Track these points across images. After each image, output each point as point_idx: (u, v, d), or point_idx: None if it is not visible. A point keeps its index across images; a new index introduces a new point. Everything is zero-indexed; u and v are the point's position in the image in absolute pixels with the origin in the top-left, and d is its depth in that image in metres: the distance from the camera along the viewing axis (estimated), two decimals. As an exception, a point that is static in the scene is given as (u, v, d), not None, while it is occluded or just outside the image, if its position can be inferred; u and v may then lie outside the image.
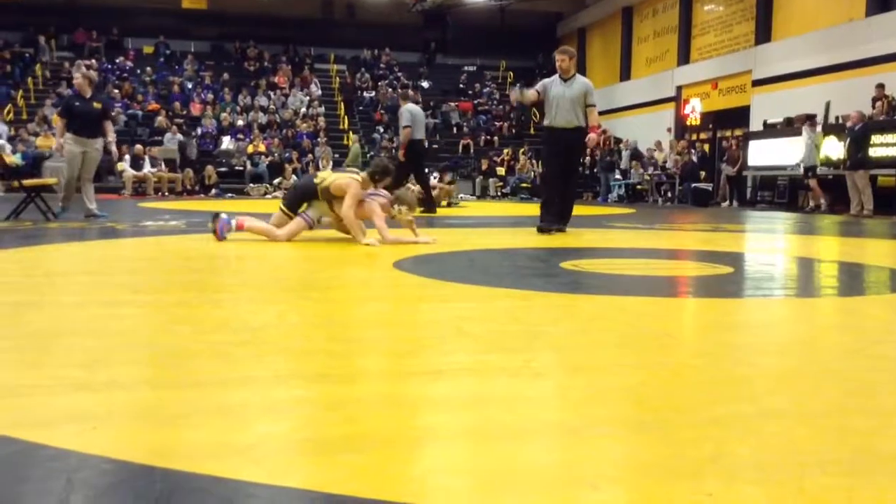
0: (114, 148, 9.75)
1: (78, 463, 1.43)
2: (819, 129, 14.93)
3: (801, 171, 14.84)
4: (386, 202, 6.26)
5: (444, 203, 14.42)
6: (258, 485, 1.35)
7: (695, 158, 18.89)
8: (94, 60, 23.64)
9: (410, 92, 12.71)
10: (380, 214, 6.14)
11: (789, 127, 16.03)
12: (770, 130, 16.91)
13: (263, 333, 2.72)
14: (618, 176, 20.67)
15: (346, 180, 6.10)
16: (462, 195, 19.83)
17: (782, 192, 16.26)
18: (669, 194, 19.13)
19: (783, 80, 17.79)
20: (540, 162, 20.67)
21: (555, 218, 7.65)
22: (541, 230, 7.53)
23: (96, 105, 9.02)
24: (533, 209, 15.34)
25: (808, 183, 14.79)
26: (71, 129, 8.82)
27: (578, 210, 14.93)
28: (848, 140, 13.28)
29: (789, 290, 4.21)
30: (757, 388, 2.08)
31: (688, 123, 21.43)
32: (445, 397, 1.96)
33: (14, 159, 10.71)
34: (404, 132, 10.58)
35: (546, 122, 7.83)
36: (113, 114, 12.19)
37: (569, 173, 7.91)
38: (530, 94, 7.97)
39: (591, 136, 7.74)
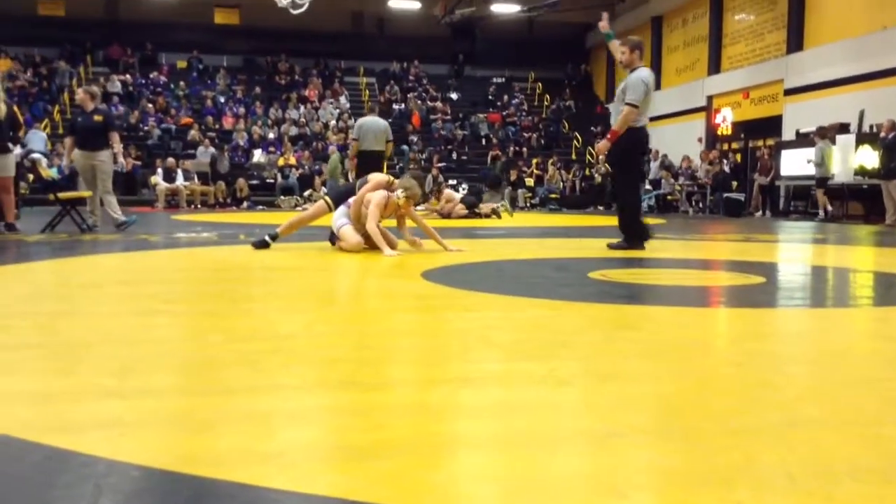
0: (121, 158, 9.84)
1: (106, 469, 1.45)
2: (829, 141, 14.92)
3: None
4: (381, 199, 6.24)
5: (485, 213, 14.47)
6: (284, 492, 1.36)
7: (727, 168, 18.71)
8: (128, 75, 24.07)
9: (376, 106, 13.04)
10: (374, 211, 6.13)
11: (805, 138, 15.83)
12: (803, 140, 16.70)
13: (292, 342, 2.74)
14: (648, 186, 20.53)
15: (370, 195, 6.17)
16: (497, 205, 19.79)
17: (816, 202, 16.03)
18: (701, 204, 18.96)
19: (816, 88, 17.57)
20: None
21: (640, 233, 6.96)
22: (644, 240, 6.86)
23: (97, 118, 9.08)
24: (561, 219, 15.36)
25: (816, 193, 15.03)
26: (77, 143, 9.04)
27: (608, 220, 14.88)
28: (882, 149, 13.08)
29: (822, 300, 4.14)
30: (788, 396, 2.05)
31: (719, 133, 21.25)
32: (471, 405, 1.96)
33: (50, 173, 10.92)
34: (352, 144, 11.13)
35: (637, 123, 6.76)
36: (118, 123, 12.47)
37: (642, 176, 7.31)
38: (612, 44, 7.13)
39: (601, 144, 6.95)
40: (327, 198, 6.76)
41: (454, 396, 2.03)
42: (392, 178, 6.67)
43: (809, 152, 15.81)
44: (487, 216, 14.41)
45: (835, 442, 1.66)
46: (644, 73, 6.69)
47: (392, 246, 6.20)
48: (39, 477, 1.45)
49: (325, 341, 2.81)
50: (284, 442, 1.65)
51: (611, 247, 6.73)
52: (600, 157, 7.94)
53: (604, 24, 7.31)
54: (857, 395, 2.08)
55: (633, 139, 6.71)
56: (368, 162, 10.64)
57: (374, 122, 11.10)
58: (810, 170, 15.57)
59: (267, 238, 6.30)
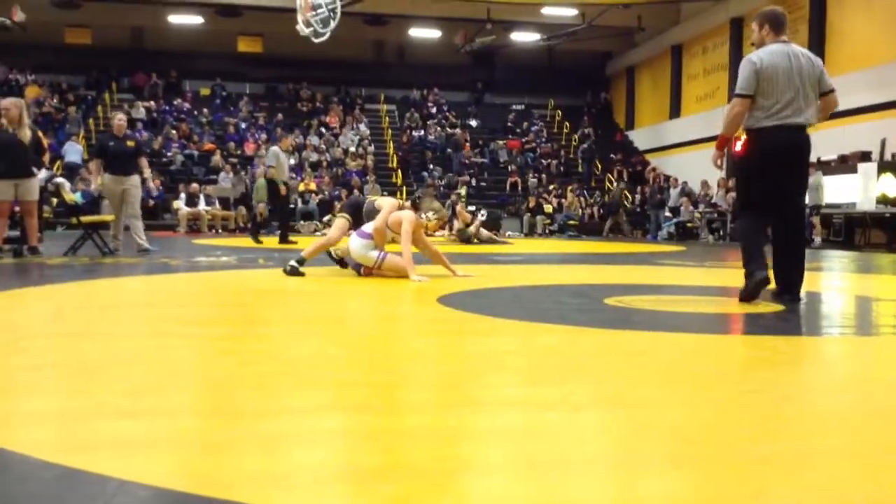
0: (150, 183, 10.12)
1: (115, 489, 1.45)
2: (820, 171, 15.09)
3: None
4: (413, 218, 6.23)
5: (475, 240, 14.61)
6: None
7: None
8: (152, 102, 24.43)
9: (285, 137, 14.88)
10: (407, 230, 6.11)
11: (843, 164, 15.73)
12: (824, 168, 16.61)
13: (304, 365, 2.74)
14: (668, 213, 20.46)
15: (399, 216, 6.17)
16: (509, 232, 19.82)
17: (838, 230, 15.90)
18: (721, 232, 18.85)
19: (837, 117, 17.46)
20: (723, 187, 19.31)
21: (788, 285, 4.79)
22: (751, 285, 4.64)
23: (129, 143, 9.32)
24: (580, 246, 15.32)
25: (812, 220, 15.23)
26: (107, 168, 9.13)
27: (626, 248, 14.85)
28: None
29: (842, 328, 4.09)
30: (805, 426, 2.02)
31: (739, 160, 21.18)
32: (483, 430, 1.95)
33: (73, 197, 11.06)
34: (269, 171, 12.38)
35: (762, 121, 4.65)
36: (147, 150, 12.69)
37: (794, 206, 4.82)
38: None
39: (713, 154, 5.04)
40: (344, 214, 6.78)
41: (466, 421, 2.02)
42: (401, 202, 6.70)
43: (831, 180, 15.71)
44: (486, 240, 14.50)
45: (851, 473, 1.63)
46: (761, 52, 4.70)
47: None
48: (51, 496, 1.45)
49: (338, 365, 2.81)
50: (293, 464, 1.65)
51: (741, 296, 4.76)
52: (718, 171, 5.96)
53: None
54: (875, 425, 2.04)
55: (751, 145, 4.76)
56: (277, 190, 12.34)
57: (284, 155, 12.61)
58: (833, 198, 15.48)
59: (294, 264, 6.31)
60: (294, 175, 21.61)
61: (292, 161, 22.80)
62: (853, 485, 1.54)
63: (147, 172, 9.59)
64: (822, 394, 2.45)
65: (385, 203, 6.52)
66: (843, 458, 1.73)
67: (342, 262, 6.74)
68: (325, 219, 19.44)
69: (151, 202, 17.84)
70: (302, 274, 6.18)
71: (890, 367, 3.03)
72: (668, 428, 1.95)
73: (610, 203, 21.69)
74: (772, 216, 4.79)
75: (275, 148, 12.60)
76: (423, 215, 6.32)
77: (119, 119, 9.53)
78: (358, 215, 6.60)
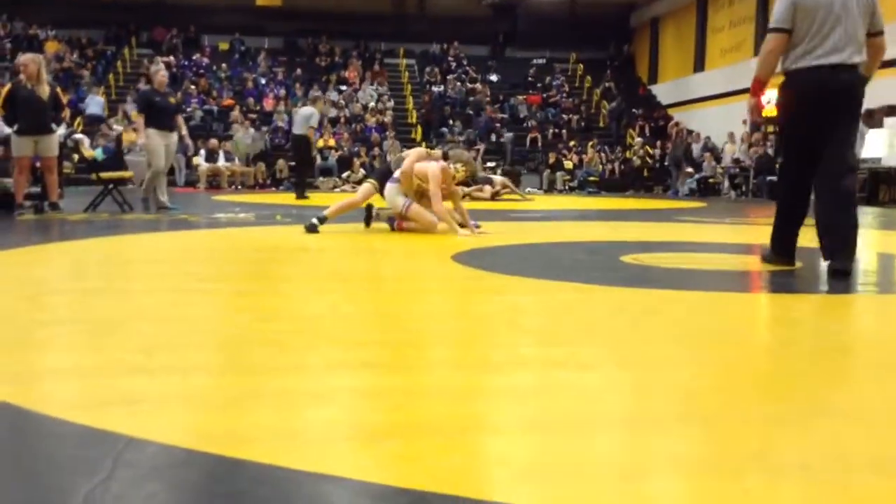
0: (188, 140, 10.04)
1: (125, 445, 1.48)
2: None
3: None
4: (439, 171, 6.23)
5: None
6: (301, 471, 1.37)
7: (770, 151, 18.34)
8: (171, 57, 24.35)
9: (321, 99, 15.94)
10: (435, 188, 6.13)
11: (870, 118, 15.40)
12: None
13: (318, 323, 2.76)
14: (689, 169, 20.22)
15: (423, 168, 6.19)
16: (529, 189, 19.72)
17: (862, 186, 15.66)
18: (743, 188, 18.62)
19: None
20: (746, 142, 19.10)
21: (832, 250, 4.04)
22: (769, 259, 4.40)
23: (172, 100, 9.29)
24: (599, 202, 15.22)
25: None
26: (153, 123, 8.98)
27: (646, 204, 14.72)
28: None
29: (862, 286, 4.05)
30: (814, 386, 2.01)
31: (763, 115, 20.82)
32: (495, 388, 1.96)
33: (92, 153, 11.11)
34: (309, 130, 13.08)
35: (797, 62, 4.12)
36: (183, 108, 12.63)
37: (839, 159, 4.11)
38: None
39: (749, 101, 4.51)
40: (371, 180, 6.81)
41: (477, 379, 2.03)
42: (429, 150, 6.71)
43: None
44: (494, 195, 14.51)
45: (857, 433, 1.62)
46: None
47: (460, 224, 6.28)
48: (63, 452, 1.49)
49: (351, 323, 2.83)
50: (305, 421, 1.67)
51: (763, 257, 4.51)
52: (751, 117, 4.93)
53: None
54: (886, 386, 2.03)
55: (789, 89, 4.22)
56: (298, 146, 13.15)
57: (306, 111, 13.20)
58: (858, 153, 15.19)
59: (315, 221, 6.34)
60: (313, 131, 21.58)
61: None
62: (858, 445, 1.54)
63: (184, 130, 9.55)
64: (834, 353, 2.44)
65: (412, 152, 6.59)
66: (850, 417, 1.73)
67: (370, 217, 6.76)
68: (344, 175, 19.43)
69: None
70: (317, 230, 6.23)
71: (906, 327, 3.00)
72: (678, 386, 1.95)
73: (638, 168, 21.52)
74: (817, 175, 4.13)
75: (313, 109, 13.30)
76: (451, 166, 6.36)
77: (162, 74, 9.39)
78: (384, 182, 6.64)
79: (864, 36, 4.08)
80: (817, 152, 4.08)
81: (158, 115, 8.99)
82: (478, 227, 6.41)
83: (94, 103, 21.02)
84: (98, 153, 12.30)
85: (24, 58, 8.26)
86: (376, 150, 20.89)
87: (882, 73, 4.24)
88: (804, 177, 4.18)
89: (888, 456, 1.48)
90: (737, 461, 1.43)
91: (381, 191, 6.58)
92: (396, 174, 6.35)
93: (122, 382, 1.92)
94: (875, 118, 15.08)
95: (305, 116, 13.01)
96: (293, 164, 14.83)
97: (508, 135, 22.96)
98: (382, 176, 6.73)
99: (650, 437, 1.59)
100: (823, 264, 4.11)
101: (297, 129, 13.32)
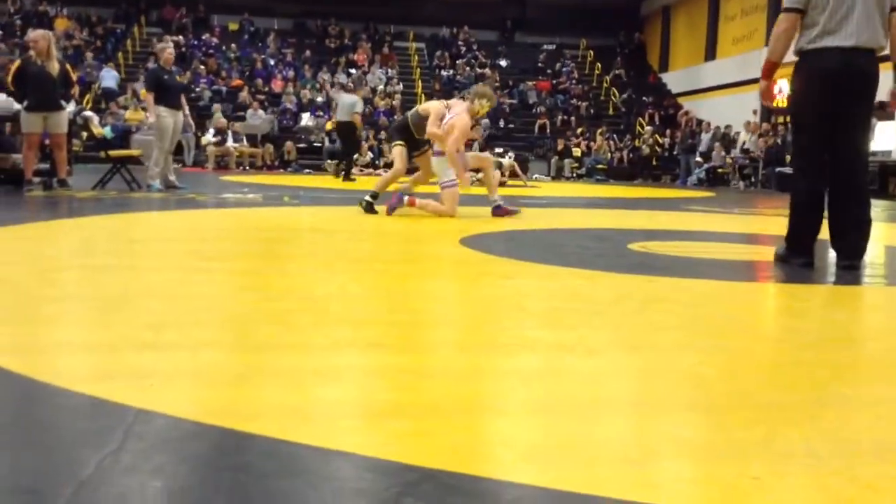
0: (190, 119, 10.00)
1: (134, 417, 1.49)
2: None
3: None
4: (468, 116, 6.32)
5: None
6: (305, 445, 1.38)
7: (780, 141, 18.24)
8: (181, 37, 24.30)
9: (359, 88, 17.03)
10: (458, 137, 6.22)
11: (881, 110, 15.29)
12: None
13: (325, 303, 2.77)
14: (698, 158, 20.14)
15: (453, 122, 6.25)
16: (536, 175, 19.69)
17: (872, 178, 15.58)
18: (752, 178, 18.54)
19: (883, 60, 16.95)
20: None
21: (842, 244, 3.98)
22: (789, 261, 4.08)
23: (180, 78, 9.25)
24: (607, 190, 15.18)
25: None
26: (162, 101, 8.93)
27: (653, 193, 14.68)
28: None
29: (869, 278, 4.03)
30: (820, 374, 2.01)
31: (774, 105, 20.69)
32: (500, 370, 1.97)
33: (102, 130, 11.11)
34: (355, 116, 13.89)
35: (812, 42, 3.95)
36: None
37: (851, 147, 3.98)
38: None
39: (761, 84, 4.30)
40: (397, 142, 6.86)
41: (482, 361, 2.03)
42: (446, 102, 6.79)
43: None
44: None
45: (865, 421, 1.63)
46: None
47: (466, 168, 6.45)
48: (73, 423, 1.50)
49: (358, 303, 2.83)
50: (310, 398, 1.68)
51: (777, 255, 4.23)
52: (762, 101, 4.67)
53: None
54: (893, 375, 2.03)
55: (803, 70, 4.03)
56: (342, 131, 14.27)
57: (347, 98, 14.25)
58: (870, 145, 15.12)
59: (370, 199, 6.41)
60: (322, 114, 21.54)
61: (320, 100, 22.73)
62: (862, 433, 1.54)
63: (187, 109, 9.53)
64: (841, 343, 2.44)
65: (430, 108, 6.59)
66: (855, 407, 1.73)
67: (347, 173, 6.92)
68: (353, 157, 19.39)
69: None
70: (375, 211, 6.33)
71: (914, 319, 2.99)
72: (683, 373, 1.96)
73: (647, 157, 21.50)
74: (829, 165, 3.98)
75: (356, 96, 14.39)
76: (474, 102, 6.43)
77: (168, 52, 9.32)
78: (408, 135, 6.69)
79: (885, 18, 3.88)
80: (830, 139, 3.93)
81: (168, 94, 8.97)
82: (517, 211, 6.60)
83: (109, 77, 21.03)
84: (107, 131, 12.31)
85: (35, 34, 8.26)
86: (384, 134, 20.83)
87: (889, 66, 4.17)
88: (818, 165, 3.99)
89: (894, 444, 1.49)
90: (743, 447, 1.44)
91: (410, 146, 6.66)
92: (437, 147, 6.40)
93: (132, 357, 1.93)
94: (887, 111, 14.98)
95: (350, 104, 13.81)
96: (339, 149, 15.68)
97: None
98: (403, 131, 6.77)
99: (655, 421, 1.59)
100: (832, 255, 4.10)
101: (343, 116, 14.04)
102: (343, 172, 14.12)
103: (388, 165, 10.17)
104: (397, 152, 6.77)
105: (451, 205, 6.29)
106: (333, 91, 20.94)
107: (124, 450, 1.33)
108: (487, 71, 25.50)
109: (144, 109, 11.23)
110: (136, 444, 1.36)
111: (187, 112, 9.50)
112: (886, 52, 4.03)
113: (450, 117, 6.31)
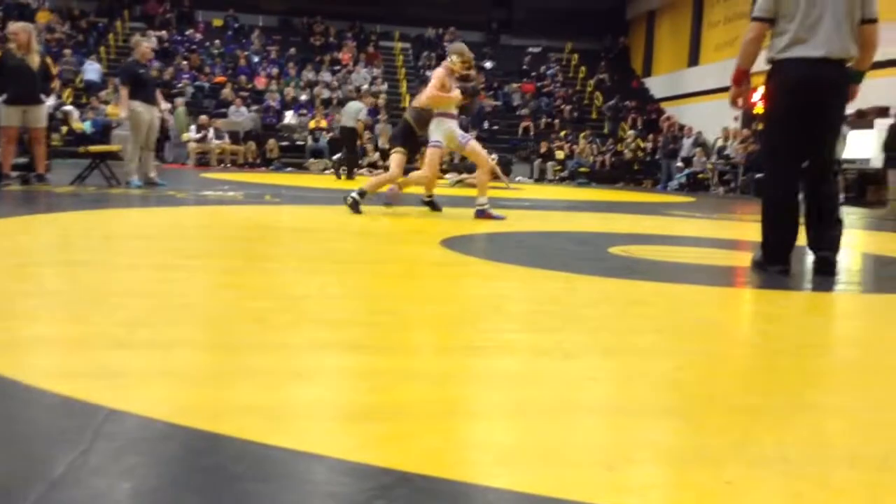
0: (167, 115, 9.93)
1: (105, 417, 1.47)
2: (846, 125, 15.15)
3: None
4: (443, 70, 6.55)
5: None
6: (278, 448, 1.37)
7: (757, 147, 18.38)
8: (164, 32, 24.13)
9: (366, 96, 17.87)
10: (435, 84, 6.47)
11: (861, 119, 15.46)
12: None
13: (304, 303, 2.75)
14: (680, 163, 20.26)
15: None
16: (519, 177, 19.73)
17: (850, 186, 15.74)
18: (732, 184, 18.68)
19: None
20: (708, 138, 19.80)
21: (816, 238, 4.08)
22: (765, 268, 4.06)
23: (154, 73, 9.15)
24: (589, 194, 15.23)
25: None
26: (139, 96, 8.77)
27: (635, 197, 14.75)
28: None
29: (846, 285, 4.07)
30: (796, 380, 2.03)
31: (755, 112, 20.86)
32: (476, 373, 1.96)
33: (81, 125, 11.00)
34: (359, 123, 14.84)
35: (782, 52, 4.01)
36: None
37: (821, 155, 4.04)
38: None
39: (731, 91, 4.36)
40: (398, 149, 6.88)
41: (459, 364, 2.03)
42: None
43: (847, 135, 15.49)
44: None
45: (837, 428, 1.64)
46: None
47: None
48: (43, 422, 1.48)
49: (337, 303, 2.82)
50: (287, 399, 1.66)
51: (753, 263, 4.22)
52: (736, 109, 4.81)
53: None
54: (869, 382, 2.05)
55: (773, 82, 4.08)
56: (346, 136, 14.88)
57: (352, 105, 14.91)
58: (849, 153, 15.29)
59: (357, 196, 6.42)
60: (305, 112, 21.47)
61: (304, 98, 22.65)
62: (835, 440, 1.55)
63: (164, 104, 9.44)
64: (815, 350, 2.45)
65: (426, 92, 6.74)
66: (829, 413, 1.74)
67: (432, 203, 6.89)
68: (336, 157, 19.34)
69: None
70: (360, 211, 6.32)
71: (888, 326, 3.02)
72: (659, 377, 1.96)
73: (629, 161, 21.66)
74: (801, 171, 4.05)
75: (361, 104, 15.17)
76: (450, 58, 6.66)
77: (146, 46, 9.16)
78: (410, 142, 6.73)
79: (855, 27, 3.91)
80: (801, 146, 3.99)
81: (143, 88, 8.80)
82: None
83: (92, 70, 20.84)
84: (87, 126, 12.20)
85: (15, 27, 8.17)
86: (368, 134, 20.79)
87: (874, 74, 4.21)
88: (789, 172, 4.03)
89: (866, 450, 1.50)
90: (717, 452, 1.44)
91: (409, 153, 6.72)
92: (435, 136, 6.50)
93: (104, 355, 1.91)
94: (866, 119, 15.16)
95: (355, 110, 14.59)
96: (342, 152, 16.07)
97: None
98: (404, 137, 6.78)
99: (631, 425, 1.59)
100: (808, 262, 4.14)
101: (347, 122, 14.79)
102: (345, 172, 14.71)
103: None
104: (395, 159, 6.78)
105: (431, 165, 6.49)
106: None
107: (94, 450, 1.31)
108: (472, 72, 25.49)
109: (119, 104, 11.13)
110: (107, 444, 1.35)
111: (164, 107, 9.41)
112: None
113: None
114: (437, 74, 6.55)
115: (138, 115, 8.77)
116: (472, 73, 7.12)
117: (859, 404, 1.83)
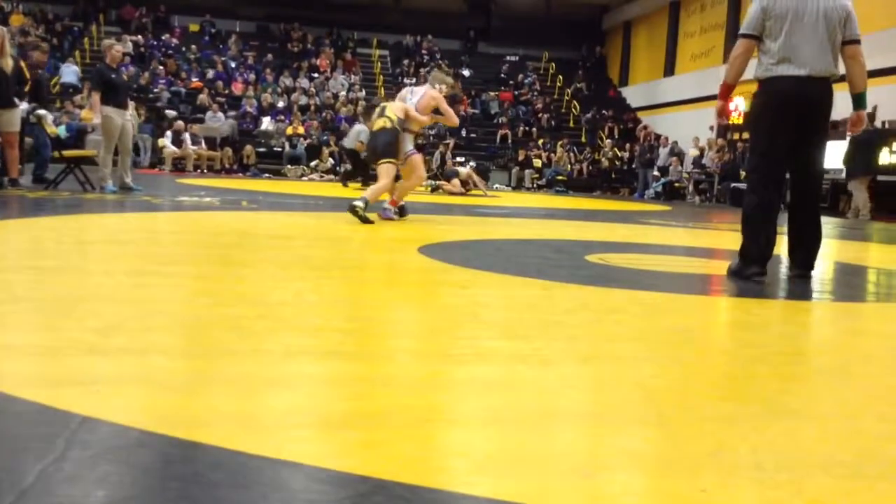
0: (137, 119, 9.84)
1: (79, 425, 1.45)
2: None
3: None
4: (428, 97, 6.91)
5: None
6: (255, 456, 1.35)
7: (735, 157, 18.58)
8: (140, 37, 23.95)
9: (368, 118, 17.95)
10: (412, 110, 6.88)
11: (834, 130, 15.69)
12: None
13: (280, 309, 2.74)
14: (656, 172, 20.42)
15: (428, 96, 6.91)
16: (497, 185, 19.79)
17: (824, 197, 15.96)
18: (708, 193, 18.86)
19: (836, 82, 17.37)
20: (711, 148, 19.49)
21: (797, 256, 4.28)
22: (742, 275, 4.10)
23: (125, 76, 9.06)
24: (566, 202, 15.31)
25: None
26: (110, 101, 8.66)
27: (612, 205, 14.85)
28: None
29: (820, 293, 4.12)
30: (770, 387, 2.04)
31: (730, 122, 21.08)
32: (453, 380, 1.96)
33: (55, 130, 10.87)
34: (358, 145, 14.76)
35: (769, 70, 4.13)
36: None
37: (806, 170, 4.24)
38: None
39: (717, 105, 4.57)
40: (387, 160, 6.86)
41: (438, 371, 2.02)
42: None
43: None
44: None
45: (811, 435, 1.65)
46: None
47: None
48: (14, 429, 1.45)
49: (314, 310, 2.81)
50: (263, 406, 1.65)
51: (730, 271, 4.25)
52: (718, 121, 5.05)
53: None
54: (841, 389, 2.07)
55: (761, 98, 4.23)
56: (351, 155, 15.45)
57: (356, 127, 15.44)
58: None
59: (361, 204, 6.36)
60: (283, 118, 21.39)
61: (281, 104, 22.57)
62: (809, 447, 1.57)
63: (132, 108, 9.37)
64: (792, 357, 2.48)
65: (400, 105, 6.98)
66: (804, 420, 1.76)
67: (402, 209, 7.00)
68: (313, 164, 19.27)
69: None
70: (371, 221, 6.28)
71: (862, 334, 3.06)
72: (635, 385, 1.97)
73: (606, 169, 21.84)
74: (784, 184, 4.22)
75: (364, 127, 14.86)
76: (435, 86, 7.01)
77: (117, 49, 9.02)
78: (395, 152, 6.80)
79: (837, 47, 4.09)
80: (785, 160, 4.12)
81: (114, 93, 8.69)
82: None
83: (70, 72, 20.63)
84: (61, 130, 12.06)
85: (-12, 29, 8.06)
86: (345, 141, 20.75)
87: (842, 87, 4.30)
88: (770, 182, 4.14)
89: (840, 457, 1.51)
90: (692, 459, 1.45)
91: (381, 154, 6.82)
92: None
93: (78, 362, 1.89)
94: (839, 130, 15.36)
95: (357, 132, 14.92)
96: (349, 167, 16.53)
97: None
98: (388, 151, 6.79)
99: (607, 433, 1.60)
100: (783, 270, 4.20)
101: (349, 144, 15.45)
102: (360, 180, 14.94)
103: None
104: (384, 170, 6.75)
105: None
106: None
107: (67, 458, 1.29)
108: (450, 79, 25.53)
109: (91, 109, 10.99)
110: (81, 452, 1.33)
111: (132, 111, 9.32)
112: (843, 71, 4.21)
113: (415, 100, 6.89)
114: (442, 100, 6.95)
115: (110, 121, 8.67)
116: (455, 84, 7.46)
117: (833, 412, 1.85)
